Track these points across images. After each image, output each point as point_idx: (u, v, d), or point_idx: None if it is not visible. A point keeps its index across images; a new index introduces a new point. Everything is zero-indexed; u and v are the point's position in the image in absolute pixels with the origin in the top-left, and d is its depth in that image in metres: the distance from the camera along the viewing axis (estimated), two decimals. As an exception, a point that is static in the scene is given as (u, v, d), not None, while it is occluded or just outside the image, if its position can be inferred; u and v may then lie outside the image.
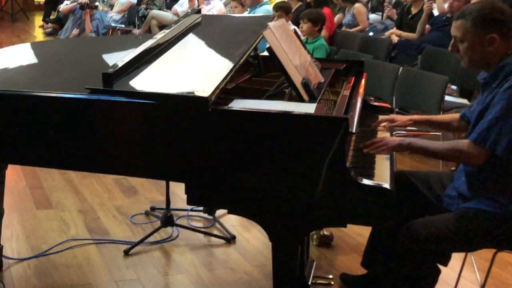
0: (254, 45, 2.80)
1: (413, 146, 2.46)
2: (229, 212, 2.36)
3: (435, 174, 2.80)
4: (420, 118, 2.90)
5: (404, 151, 2.52)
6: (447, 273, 2.88)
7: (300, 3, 7.71)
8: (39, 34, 12.11)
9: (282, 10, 5.54)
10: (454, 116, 2.81)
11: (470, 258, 3.05)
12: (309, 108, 2.31)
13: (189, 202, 2.29)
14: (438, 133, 4.67)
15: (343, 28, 7.84)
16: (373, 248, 2.89)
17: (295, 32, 2.98)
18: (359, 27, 7.77)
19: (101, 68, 2.36)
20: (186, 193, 2.27)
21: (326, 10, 7.05)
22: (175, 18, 9.28)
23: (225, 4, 8.97)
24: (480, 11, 2.36)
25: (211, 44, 2.96)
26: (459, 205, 2.48)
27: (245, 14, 6.93)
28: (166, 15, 10.14)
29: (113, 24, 10.79)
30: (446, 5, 6.84)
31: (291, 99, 2.52)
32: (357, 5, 7.87)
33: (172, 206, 3.62)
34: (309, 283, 2.78)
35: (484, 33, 2.36)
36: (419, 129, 4.18)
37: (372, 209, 2.14)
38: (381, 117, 2.86)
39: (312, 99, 2.46)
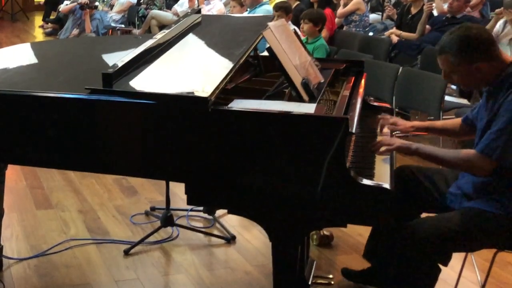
0: (254, 45, 2.80)
1: (420, 152, 2.47)
2: (229, 212, 2.37)
3: (440, 170, 2.80)
4: (421, 124, 2.91)
5: (411, 155, 2.53)
6: (447, 273, 2.87)
7: (298, 2, 7.70)
8: (39, 34, 12.09)
9: (282, 10, 5.53)
10: (455, 121, 2.81)
11: (470, 258, 3.05)
12: (309, 108, 2.31)
13: (189, 202, 2.29)
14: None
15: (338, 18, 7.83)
16: (376, 240, 2.90)
17: (295, 32, 2.99)
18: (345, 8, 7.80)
19: (101, 68, 2.36)
20: (186, 193, 2.27)
21: (327, 11, 7.04)
22: (175, 18, 9.28)
23: (225, 4, 8.96)
24: (458, 44, 2.35)
25: (211, 44, 2.96)
26: (462, 203, 2.49)
27: (245, 14, 6.93)
28: (166, 15, 10.13)
29: (113, 24, 10.78)
30: (445, 6, 6.84)
31: (291, 99, 2.52)
32: None
33: (172, 206, 3.62)
34: (309, 283, 2.78)
35: (470, 64, 2.36)
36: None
37: (372, 209, 2.14)
38: (384, 114, 2.86)
39: (312, 99, 2.46)
